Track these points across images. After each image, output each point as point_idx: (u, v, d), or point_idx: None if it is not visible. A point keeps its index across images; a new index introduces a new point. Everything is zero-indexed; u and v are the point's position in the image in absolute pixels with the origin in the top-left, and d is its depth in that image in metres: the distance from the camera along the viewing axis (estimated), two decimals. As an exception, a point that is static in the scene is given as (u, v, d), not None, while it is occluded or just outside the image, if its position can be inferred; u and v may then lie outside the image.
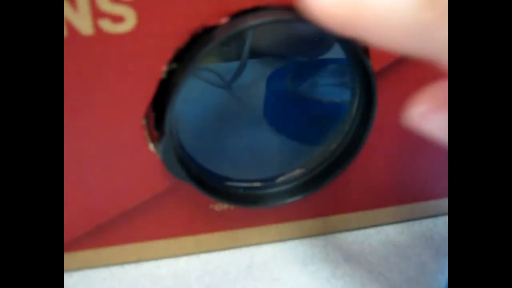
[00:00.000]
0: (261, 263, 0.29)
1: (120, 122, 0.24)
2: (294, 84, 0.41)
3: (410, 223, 0.31)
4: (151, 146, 0.24)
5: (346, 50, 0.25)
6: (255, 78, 0.44)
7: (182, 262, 0.28)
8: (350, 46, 0.24)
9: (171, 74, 0.23)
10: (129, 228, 0.27)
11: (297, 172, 0.28)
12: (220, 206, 0.27)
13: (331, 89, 0.43)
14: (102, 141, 0.24)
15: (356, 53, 0.24)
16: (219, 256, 0.29)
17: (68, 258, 0.27)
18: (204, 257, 0.29)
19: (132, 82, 0.23)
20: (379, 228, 0.31)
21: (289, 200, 0.27)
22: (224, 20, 0.22)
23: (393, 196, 0.30)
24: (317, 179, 0.27)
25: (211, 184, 0.26)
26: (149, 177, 0.25)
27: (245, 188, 0.27)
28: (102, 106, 0.23)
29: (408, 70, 0.26)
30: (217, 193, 0.26)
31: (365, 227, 0.31)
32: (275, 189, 0.27)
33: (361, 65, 0.24)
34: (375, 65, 0.24)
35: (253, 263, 0.29)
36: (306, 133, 0.37)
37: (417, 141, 0.28)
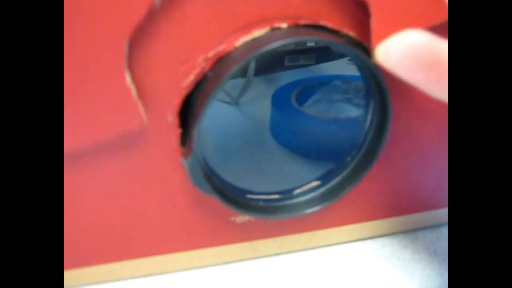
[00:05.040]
0: (259, 277, 0.29)
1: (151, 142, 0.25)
2: (298, 101, 0.42)
3: (414, 237, 0.32)
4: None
5: (360, 66, 0.26)
6: (261, 94, 0.46)
7: (199, 274, 0.29)
8: (364, 62, 0.25)
9: (199, 91, 0.24)
10: (153, 241, 0.28)
11: (314, 184, 0.29)
12: (241, 218, 0.28)
13: (335, 106, 0.44)
14: (132, 158, 0.25)
15: (370, 68, 0.25)
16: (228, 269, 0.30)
17: (93, 271, 0.28)
18: (218, 269, 0.30)
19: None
20: (382, 242, 0.32)
21: (307, 211, 0.28)
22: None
23: (402, 205, 0.32)
24: (333, 191, 0.29)
25: (232, 197, 0.27)
26: (173, 191, 0.27)
27: (264, 200, 0.28)
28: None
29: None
30: (239, 206, 0.27)
31: (373, 237, 0.32)
32: (293, 201, 0.29)
33: (375, 81, 0.26)
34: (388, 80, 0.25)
35: (255, 277, 0.29)
36: (311, 149, 0.38)
37: (426, 150, 0.29)
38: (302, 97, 0.43)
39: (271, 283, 0.29)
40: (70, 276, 0.28)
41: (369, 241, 0.32)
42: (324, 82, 0.45)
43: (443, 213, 0.33)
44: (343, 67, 0.44)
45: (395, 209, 0.31)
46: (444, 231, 0.33)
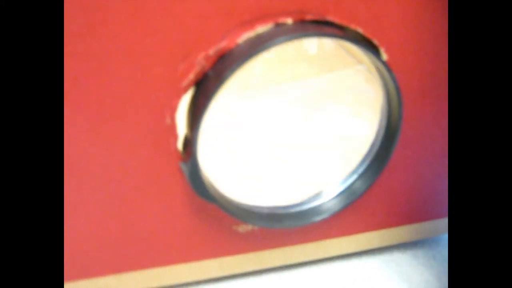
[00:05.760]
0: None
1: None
2: (299, 116, 0.41)
3: (412, 242, 0.31)
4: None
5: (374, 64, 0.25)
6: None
7: None
8: (373, 59, 0.24)
9: (199, 91, 0.23)
10: (150, 252, 0.27)
11: (319, 191, 0.28)
12: (244, 228, 0.27)
13: (340, 120, 0.43)
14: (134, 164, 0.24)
15: (379, 66, 0.24)
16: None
17: (87, 285, 0.26)
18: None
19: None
20: (381, 248, 0.31)
21: (313, 219, 0.27)
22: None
23: (407, 214, 0.30)
24: (339, 199, 0.27)
25: (234, 205, 0.26)
26: (172, 198, 0.25)
27: (269, 208, 0.27)
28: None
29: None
30: (242, 214, 0.26)
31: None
32: (298, 209, 0.27)
33: (385, 79, 0.24)
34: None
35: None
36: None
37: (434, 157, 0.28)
38: (303, 111, 0.42)
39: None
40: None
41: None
42: (328, 94, 0.43)
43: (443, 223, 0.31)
44: (349, 78, 0.42)
45: (407, 216, 0.30)
46: (443, 236, 0.32)
